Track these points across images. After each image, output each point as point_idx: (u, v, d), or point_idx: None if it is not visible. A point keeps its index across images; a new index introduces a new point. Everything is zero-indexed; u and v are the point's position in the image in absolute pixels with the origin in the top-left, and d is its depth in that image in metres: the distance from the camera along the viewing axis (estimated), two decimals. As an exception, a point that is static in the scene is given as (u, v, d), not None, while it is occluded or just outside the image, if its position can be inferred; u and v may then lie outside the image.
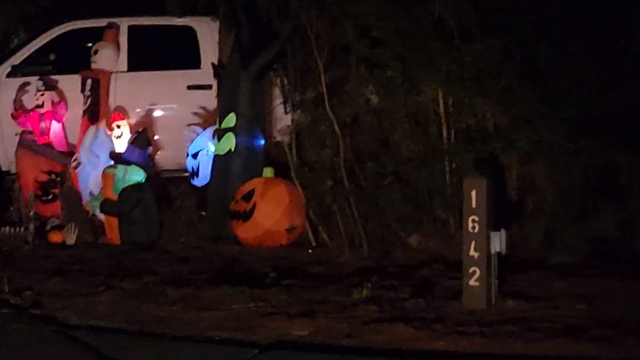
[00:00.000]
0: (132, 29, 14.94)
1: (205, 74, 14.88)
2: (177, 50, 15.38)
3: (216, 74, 13.39)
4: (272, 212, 12.30)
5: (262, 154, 12.92)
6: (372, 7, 11.75)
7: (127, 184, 12.57)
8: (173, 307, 9.52)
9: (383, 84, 11.88)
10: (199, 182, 13.14)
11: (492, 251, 9.30)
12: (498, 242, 9.28)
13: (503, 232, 9.30)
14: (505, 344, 8.19)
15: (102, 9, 15.49)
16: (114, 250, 12.31)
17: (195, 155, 13.14)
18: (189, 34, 15.24)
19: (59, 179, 13.47)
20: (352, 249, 11.93)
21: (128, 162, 12.60)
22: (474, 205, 9.22)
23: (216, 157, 12.86)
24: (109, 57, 14.09)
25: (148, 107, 14.81)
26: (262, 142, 12.89)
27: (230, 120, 12.74)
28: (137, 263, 11.47)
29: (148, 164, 12.79)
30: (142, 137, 12.73)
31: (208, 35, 15.09)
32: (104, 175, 12.77)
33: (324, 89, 11.93)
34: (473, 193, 9.24)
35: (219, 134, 12.77)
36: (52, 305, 9.71)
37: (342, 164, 11.85)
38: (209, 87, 14.82)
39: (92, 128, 13.12)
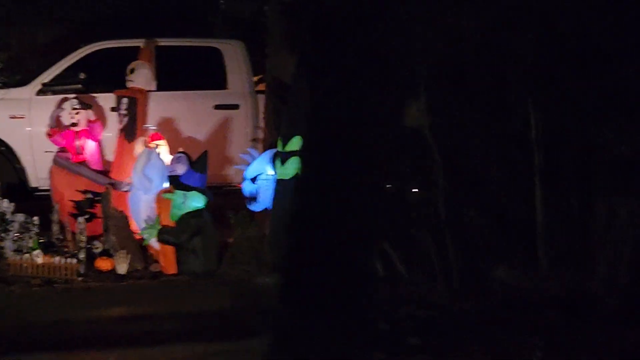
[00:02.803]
0: (159, 50, 10.45)
1: (231, 94, 11.24)
2: (204, 71, 11.36)
3: (276, 95, 8.93)
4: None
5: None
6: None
7: (185, 211, 8.19)
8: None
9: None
10: (259, 207, 8.77)
11: None
12: None
13: None
14: None
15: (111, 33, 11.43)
16: (177, 284, 8.09)
17: (254, 179, 8.68)
18: (216, 56, 11.16)
19: (96, 198, 9.07)
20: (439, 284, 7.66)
21: (187, 188, 8.12)
22: None
23: (279, 182, 8.55)
24: (146, 76, 9.81)
25: (176, 127, 10.96)
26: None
27: (296, 143, 8.40)
28: (222, 306, 7.37)
29: (207, 189, 8.33)
30: (202, 160, 8.40)
31: (234, 57, 11.11)
32: (160, 200, 8.45)
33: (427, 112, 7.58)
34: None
35: (282, 158, 8.42)
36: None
37: (441, 194, 7.50)
38: (236, 107, 11.12)
39: (145, 150, 8.77)
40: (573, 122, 7.47)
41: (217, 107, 11.12)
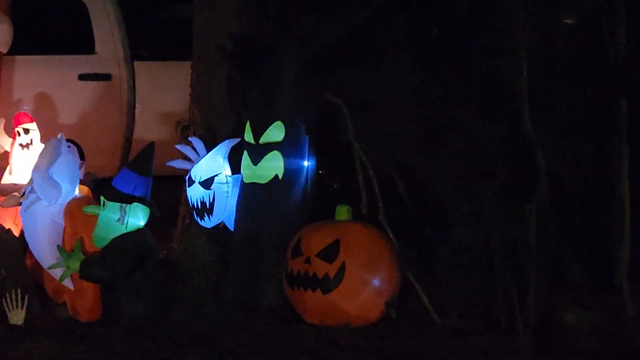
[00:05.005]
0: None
1: (100, 61, 8.48)
2: (63, 30, 8.53)
3: (234, 61, 6.26)
4: (369, 277, 5.69)
5: (313, 182, 6.00)
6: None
7: (119, 232, 5.45)
8: None
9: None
10: (212, 221, 6.14)
11: None
12: None
13: None
14: None
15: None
16: (112, 344, 5.33)
17: (207, 184, 6.02)
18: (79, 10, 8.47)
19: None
20: (494, 331, 5.50)
21: (126, 198, 5.40)
22: None
23: (247, 187, 6.02)
24: (5, 33, 6.94)
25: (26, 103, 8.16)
26: (313, 164, 5.97)
27: (277, 131, 5.92)
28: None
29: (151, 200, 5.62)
30: (146, 156, 5.65)
31: (103, 12, 8.52)
32: (76, 216, 5.70)
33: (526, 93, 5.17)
34: None
35: (254, 153, 5.80)
36: None
37: (533, 209, 5.16)
38: (107, 77, 8.42)
39: (50, 143, 5.78)
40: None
41: (83, 77, 8.31)
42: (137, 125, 8.48)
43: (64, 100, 8.26)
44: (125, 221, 5.56)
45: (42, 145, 6.90)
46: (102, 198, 5.60)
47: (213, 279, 5.98)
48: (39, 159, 5.88)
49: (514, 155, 5.20)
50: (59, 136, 5.89)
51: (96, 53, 8.41)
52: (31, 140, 7.02)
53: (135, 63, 8.50)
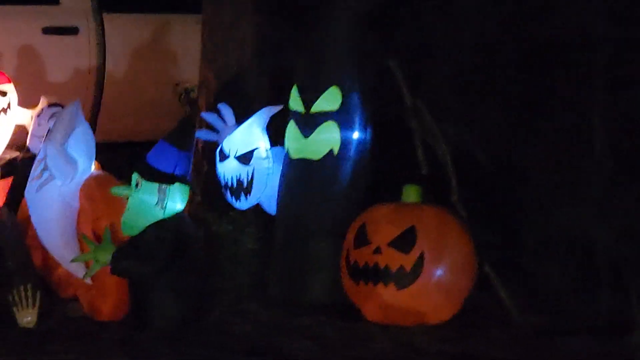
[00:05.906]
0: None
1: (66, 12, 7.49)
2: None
3: (274, 15, 5.40)
4: (449, 270, 4.93)
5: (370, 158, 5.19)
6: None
7: (155, 218, 4.54)
8: None
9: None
10: (248, 202, 5.26)
11: None
12: None
13: None
14: None
15: None
16: (153, 351, 4.55)
17: (245, 159, 5.15)
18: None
19: None
20: (590, 332, 4.80)
21: (166, 177, 4.48)
22: None
23: (293, 163, 5.18)
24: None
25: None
26: (370, 136, 5.15)
27: (332, 99, 5.05)
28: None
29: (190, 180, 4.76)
30: (185, 127, 4.73)
31: None
32: (97, 198, 4.84)
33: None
34: None
35: (303, 124, 5.03)
36: None
37: None
38: (74, 30, 7.41)
39: (65, 111, 4.86)
40: None
41: (47, 30, 7.29)
42: (107, 86, 7.52)
43: (26, 57, 7.26)
44: (164, 205, 4.66)
45: (21, 110, 6.07)
46: (135, 177, 4.68)
47: (254, 270, 5.14)
48: (53, 130, 4.91)
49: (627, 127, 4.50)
50: (74, 103, 4.94)
51: (60, 4, 7.41)
52: (8, 104, 6.09)
53: (105, 15, 7.52)
